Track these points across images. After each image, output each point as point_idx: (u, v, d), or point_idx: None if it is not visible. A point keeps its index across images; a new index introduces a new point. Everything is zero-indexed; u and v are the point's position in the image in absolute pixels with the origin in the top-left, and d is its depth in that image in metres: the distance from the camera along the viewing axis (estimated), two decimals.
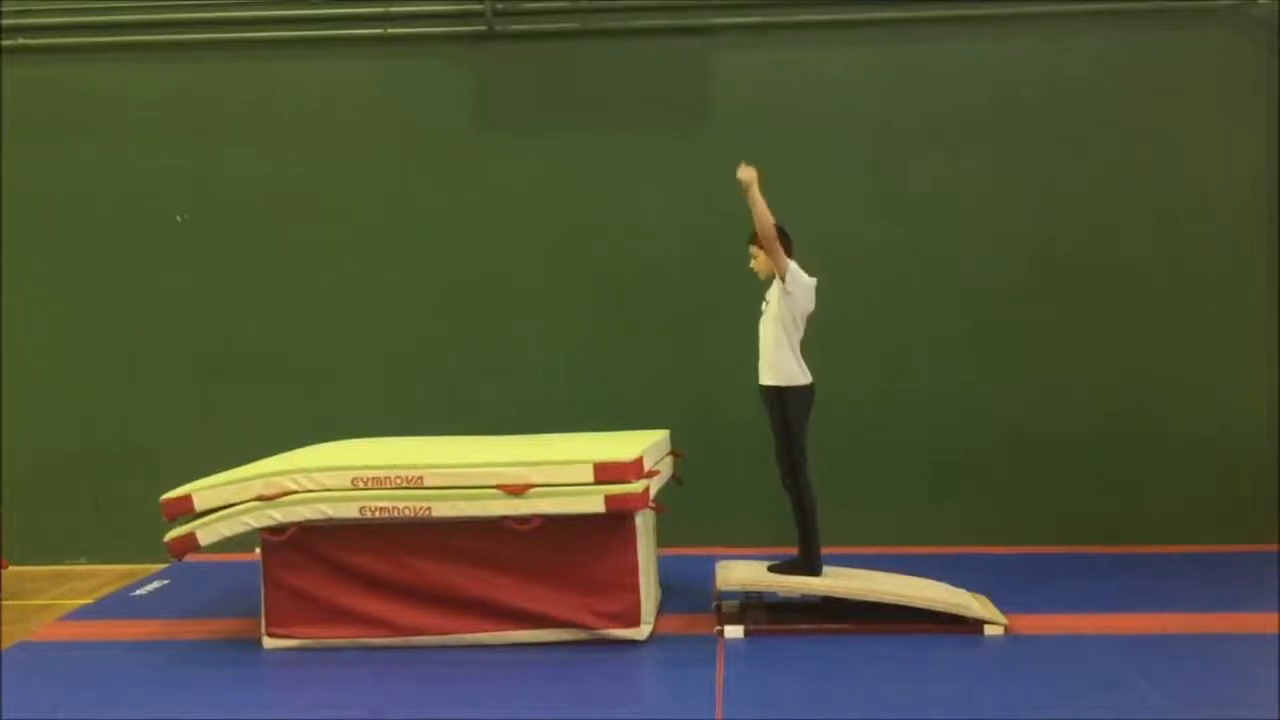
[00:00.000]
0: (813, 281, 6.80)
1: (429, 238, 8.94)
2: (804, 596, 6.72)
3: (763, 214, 6.64)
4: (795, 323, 6.73)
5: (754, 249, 6.84)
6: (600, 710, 5.52)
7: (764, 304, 6.87)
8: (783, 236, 6.78)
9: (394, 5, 8.92)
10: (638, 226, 8.80)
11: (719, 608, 6.84)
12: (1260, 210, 8.58)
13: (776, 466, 6.79)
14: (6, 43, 8.95)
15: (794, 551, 6.77)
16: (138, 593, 7.81)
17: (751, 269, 6.88)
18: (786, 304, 6.72)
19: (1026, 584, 7.42)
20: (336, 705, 5.65)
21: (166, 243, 9.01)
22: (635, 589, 6.36)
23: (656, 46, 8.85)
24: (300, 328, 8.98)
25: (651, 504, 6.50)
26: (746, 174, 6.64)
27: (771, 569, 6.79)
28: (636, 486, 6.27)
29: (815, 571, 6.73)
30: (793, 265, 6.74)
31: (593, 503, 6.23)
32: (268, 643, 6.48)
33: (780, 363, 6.72)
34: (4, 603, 7.63)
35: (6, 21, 8.94)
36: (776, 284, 6.76)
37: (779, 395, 6.73)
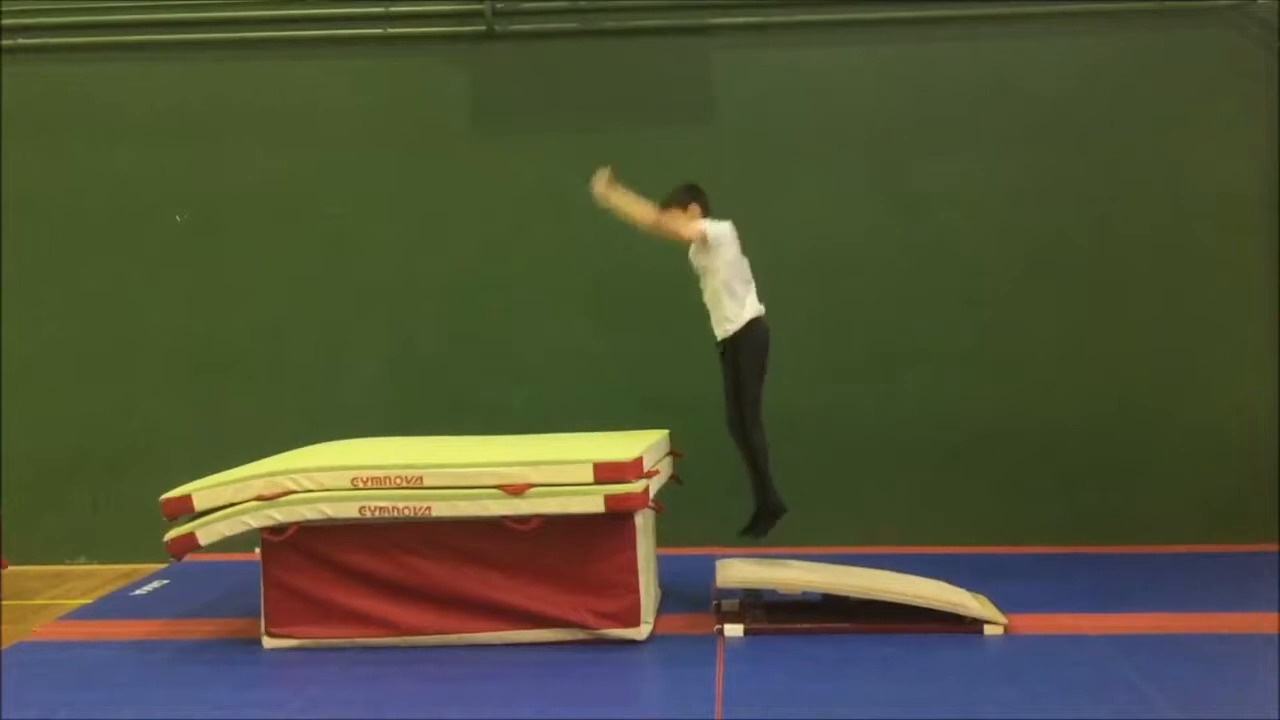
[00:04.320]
0: (727, 224, 6.73)
1: (428, 237, 8.94)
2: (804, 596, 6.72)
3: (632, 212, 6.64)
4: (732, 267, 6.68)
5: (673, 212, 6.77)
6: (600, 710, 5.52)
7: (698, 270, 6.82)
8: (695, 195, 6.75)
9: (394, 5, 8.93)
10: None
11: (719, 607, 6.84)
12: (1261, 209, 8.57)
13: (729, 428, 6.78)
14: (6, 42, 8.95)
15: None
16: (137, 592, 7.81)
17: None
18: (716, 256, 6.66)
19: (1026, 584, 7.40)
20: (336, 705, 5.65)
21: (166, 242, 9.01)
22: (635, 589, 6.35)
23: (656, 46, 8.85)
24: (300, 327, 8.98)
25: (651, 504, 6.50)
26: (599, 187, 6.64)
27: (742, 533, 6.85)
28: (636, 486, 6.26)
29: (779, 510, 6.77)
30: (704, 223, 6.67)
31: (592, 503, 6.22)
32: (268, 643, 6.47)
33: (731, 312, 6.69)
34: (4, 603, 7.63)
35: (6, 21, 8.94)
36: (695, 246, 6.72)
37: (733, 341, 6.71)
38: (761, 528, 6.85)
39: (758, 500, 6.83)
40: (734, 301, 6.68)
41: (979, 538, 8.49)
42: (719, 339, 6.79)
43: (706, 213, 6.79)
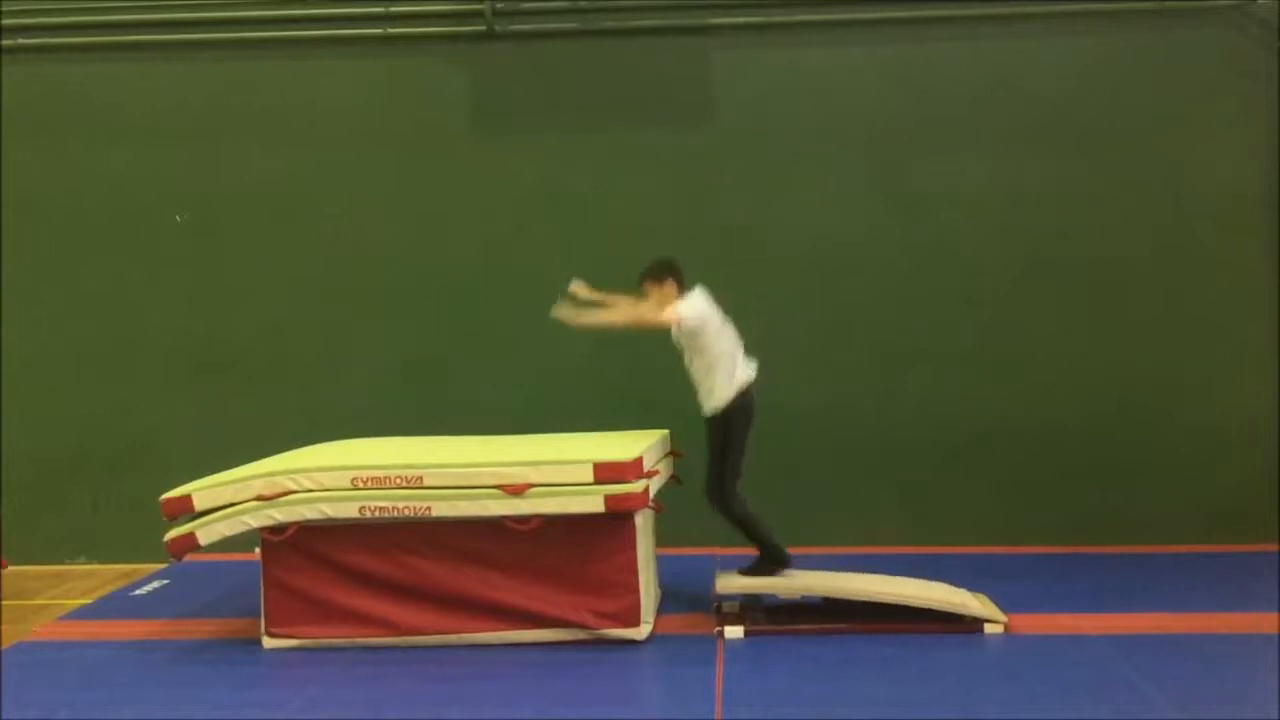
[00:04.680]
0: (697, 293, 6.69)
1: (428, 237, 8.94)
2: (804, 597, 6.72)
3: (606, 320, 6.67)
4: (719, 339, 6.64)
5: (648, 287, 6.76)
6: (600, 710, 5.52)
7: (681, 347, 6.78)
8: (669, 270, 6.70)
9: (394, 5, 8.92)
10: (637, 226, 8.79)
11: (719, 608, 6.84)
12: (1261, 209, 8.57)
13: (706, 495, 6.73)
14: (6, 42, 8.95)
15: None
16: (137, 593, 7.82)
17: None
18: (699, 336, 6.63)
19: (1026, 584, 7.40)
20: (336, 705, 5.66)
21: (166, 242, 9.01)
22: (635, 589, 6.35)
23: (656, 46, 8.85)
24: (300, 327, 8.98)
25: (651, 504, 6.51)
26: (564, 317, 6.66)
27: (741, 571, 6.78)
28: (636, 486, 6.27)
29: (784, 560, 6.69)
30: (679, 307, 6.61)
31: (592, 503, 6.23)
32: (268, 643, 6.48)
33: (716, 388, 6.65)
34: (4, 603, 7.63)
35: (6, 21, 8.94)
36: (676, 328, 6.69)
37: (723, 417, 6.67)
38: (763, 572, 6.78)
39: (760, 550, 6.76)
40: (724, 374, 6.64)
41: (979, 538, 8.48)
42: (708, 412, 6.72)
43: (681, 286, 6.73)
